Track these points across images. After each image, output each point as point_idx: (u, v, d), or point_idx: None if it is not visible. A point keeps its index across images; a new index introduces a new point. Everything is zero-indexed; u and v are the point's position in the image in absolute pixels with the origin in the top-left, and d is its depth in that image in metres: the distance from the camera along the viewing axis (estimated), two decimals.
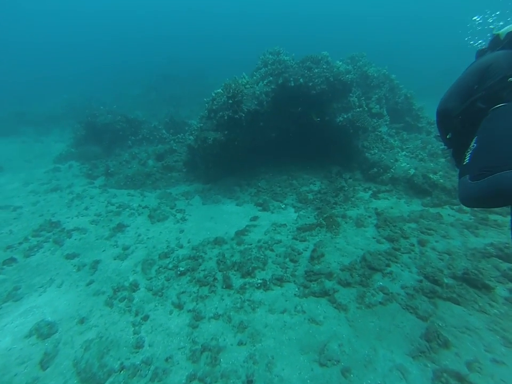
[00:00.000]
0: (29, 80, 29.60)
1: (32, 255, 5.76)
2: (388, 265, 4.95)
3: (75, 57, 43.24)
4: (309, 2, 62.42)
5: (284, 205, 7.44)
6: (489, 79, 2.15)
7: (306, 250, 5.60)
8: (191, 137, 9.18)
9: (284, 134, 8.70)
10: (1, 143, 13.48)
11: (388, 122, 9.57)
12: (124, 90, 23.56)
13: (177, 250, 5.82)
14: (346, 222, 6.39)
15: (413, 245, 5.47)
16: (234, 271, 5.13)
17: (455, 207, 6.73)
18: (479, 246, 5.25)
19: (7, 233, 6.51)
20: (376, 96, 9.57)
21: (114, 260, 5.56)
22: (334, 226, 6.16)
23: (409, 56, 32.88)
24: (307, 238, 5.97)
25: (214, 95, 7.56)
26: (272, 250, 5.65)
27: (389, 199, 7.28)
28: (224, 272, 5.09)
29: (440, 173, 7.14)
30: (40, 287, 4.92)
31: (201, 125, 7.76)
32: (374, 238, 5.80)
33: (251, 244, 5.91)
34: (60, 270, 5.33)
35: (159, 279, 5.02)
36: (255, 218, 6.93)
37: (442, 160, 8.63)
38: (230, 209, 7.47)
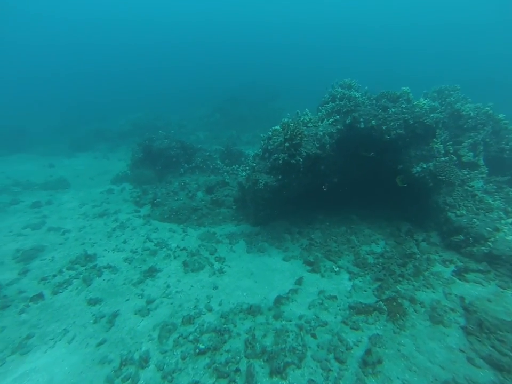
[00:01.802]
0: (111, 99, 33.09)
1: (60, 293, 5.58)
2: None
3: (152, 78, 47.70)
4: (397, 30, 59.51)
5: (337, 268, 6.19)
6: None
7: (358, 346, 4.31)
8: (243, 173, 8.55)
9: (348, 179, 7.49)
10: (78, 157, 14.75)
11: (485, 175, 7.63)
12: (191, 110, 24.66)
13: (204, 314, 5.02)
14: (416, 311, 4.87)
15: None
16: (263, 361, 4.11)
17: None
18: None
19: (49, 260, 6.55)
20: (469, 140, 7.76)
21: (135, 314, 5.01)
22: (398, 314, 4.72)
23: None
24: (361, 325, 4.66)
25: (270, 133, 6.78)
26: (314, 336, 4.49)
27: (483, 285, 5.47)
28: (250, 360, 4.11)
29: None
30: (52, 339, 4.56)
31: (254, 164, 7.02)
32: (462, 351, 4.18)
33: (290, 320, 4.83)
34: (77, 318, 4.99)
35: (174, 354, 4.27)
36: (301, 281, 5.84)
37: None
38: (275, 265, 6.48)
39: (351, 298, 5.26)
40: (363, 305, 4.95)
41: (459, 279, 5.62)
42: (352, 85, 8.60)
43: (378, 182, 7.41)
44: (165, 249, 7.03)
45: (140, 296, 5.42)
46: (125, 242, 7.25)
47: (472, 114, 8.24)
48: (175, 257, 6.72)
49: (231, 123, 20.51)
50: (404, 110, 6.57)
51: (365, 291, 5.46)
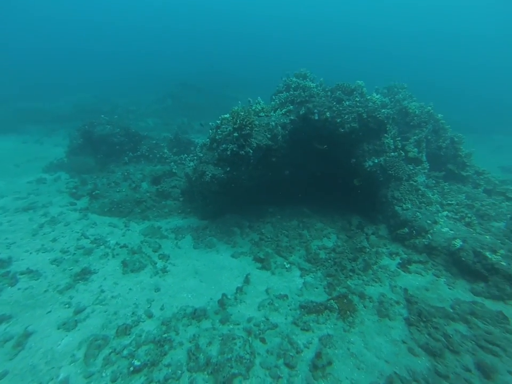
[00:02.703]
0: (51, 78, 29.60)
1: None
2: None
3: (102, 60, 43.90)
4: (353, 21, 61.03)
5: (288, 264, 6.00)
6: None
7: (308, 348, 4.13)
8: (191, 163, 7.96)
9: (299, 172, 7.32)
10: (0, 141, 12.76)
11: (426, 170, 7.99)
12: (141, 95, 22.98)
13: (143, 321, 4.48)
14: (365, 307, 4.85)
15: (469, 371, 3.84)
16: (207, 374, 3.72)
17: None
18: None
19: None
20: (415, 137, 8.05)
21: (58, 329, 4.23)
22: (348, 312, 4.65)
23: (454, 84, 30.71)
24: (311, 325, 4.49)
25: (219, 122, 6.29)
26: (263, 341, 4.21)
27: (423, 275, 5.68)
28: (193, 374, 3.69)
29: (502, 251, 5.49)
30: None
31: (201, 155, 6.49)
32: (404, 342, 4.24)
33: (238, 324, 4.51)
34: None
35: (103, 376, 3.62)
36: (250, 279, 5.53)
37: (497, 225, 6.95)
38: (223, 262, 6.10)
39: (302, 297, 5.10)
40: (314, 304, 4.80)
41: (403, 271, 5.77)
42: (308, 75, 8.42)
43: (331, 175, 7.35)
44: (102, 247, 6.26)
45: (66, 306, 4.64)
46: (54, 240, 6.27)
47: (417, 112, 8.56)
48: (113, 256, 6.00)
49: (183, 110, 19.46)
50: (358, 104, 6.51)
51: (316, 288, 5.33)
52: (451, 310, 4.84)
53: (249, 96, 7.36)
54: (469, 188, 8.76)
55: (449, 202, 7.36)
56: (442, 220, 6.55)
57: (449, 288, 5.38)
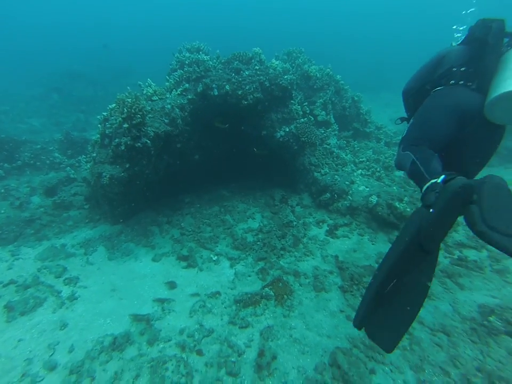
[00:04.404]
0: None
1: None
2: (372, 372, 3.32)
3: None
4: None
5: (215, 256, 5.52)
6: (440, 68, 2.57)
7: (250, 347, 3.77)
8: (88, 165, 6.73)
9: (211, 154, 6.75)
10: None
11: (336, 132, 8.14)
12: (15, 90, 18.92)
13: (40, 381, 3.51)
14: (301, 285, 4.69)
15: None
16: None
17: None
18: (472, 305, 3.96)
19: None
20: (321, 100, 8.06)
21: None
22: (285, 295, 4.42)
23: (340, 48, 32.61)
24: (250, 320, 4.13)
25: (106, 114, 5.25)
26: (200, 353, 3.70)
27: (349, 237, 5.78)
28: None
29: (406, 199, 5.83)
30: None
31: (95, 154, 5.42)
32: (342, 311, 4.18)
33: (169, 340, 3.90)
34: None
35: None
36: (175, 283, 4.91)
37: (398, 174, 7.48)
38: (144, 269, 5.33)
39: (236, 290, 4.70)
40: (249, 296, 4.44)
41: (332, 238, 5.79)
42: (201, 48, 7.63)
43: (245, 153, 6.95)
44: None
45: None
46: None
47: (318, 75, 8.56)
48: None
49: (75, 105, 16.72)
50: (258, 72, 6.08)
51: (249, 276, 4.99)
52: (376, 265, 4.99)
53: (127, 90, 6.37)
54: (374, 143, 9.31)
55: (360, 159, 7.65)
56: (358, 179, 6.75)
57: (372, 244, 5.57)
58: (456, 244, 5.33)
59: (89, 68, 21.82)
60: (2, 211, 6.75)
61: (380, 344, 1.90)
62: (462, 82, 2.38)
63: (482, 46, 2.33)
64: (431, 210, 1.74)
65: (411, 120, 2.63)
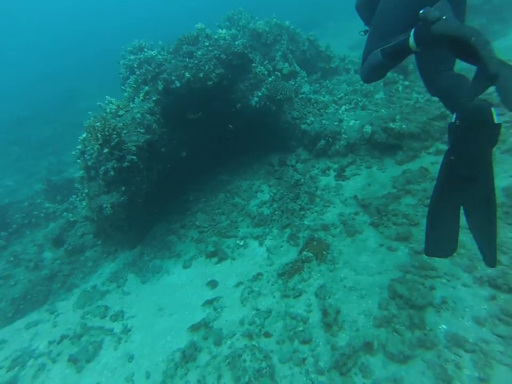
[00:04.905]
0: None
1: None
2: (432, 288, 3.40)
3: None
4: None
5: (241, 241, 5.52)
6: None
7: (311, 311, 3.84)
8: (83, 203, 6.53)
9: (196, 146, 6.56)
10: None
11: (306, 79, 7.89)
12: None
13: None
14: (334, 236, 4.72)
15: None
16: None
17: (430, 150, 5.48)
18: (496, 192, 4.00)
19: None
20: (279, 53, 7.73)
21: None
22: (324, 252, 4.45)
23: None
24: (300, 287, 4.19)
25: (80, 146, 5.01)
26: (268, 335, 3.78)
27: (359, 174, 5.76)
28: None
29: (398, 117, 5.76)
30: None
31: (87, 190, 5.23)
32: (381, 245, 4.24)
33: (234, 334, 3.97)
34: None
35: None
36: (215, 281, 4.93)
37: (378, 96, 7.35)
38: (179, 279, 5.35)
39: (275, 265, 4.73)
40: (290, 265, 4.48)
41: (342, 181, 5.78)
42: (143, 45, 7.19)
43: (227, 131, 6.75)
44: (30, 361, 4.81)
45: None
46: None
47: (267, 29, 8.15)
48: (53, 361, 4.67)
49: (39, 150, 16.02)
50: (210, 48, 5.74)
51: (281, 247, 5.01)
52: (394, 190, 5.02)
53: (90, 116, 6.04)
54: (344, 75, 9.07)
55: (339, 96, 7.47)
56: (345, 115, 6.63)
57: (382, 172, 5.56)
58: None
59: (34, 107, 20.63)
60: (22, 277, 6.63)
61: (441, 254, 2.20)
62: None
63: None
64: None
65: (368, 32, 2.56)
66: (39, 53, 42.61)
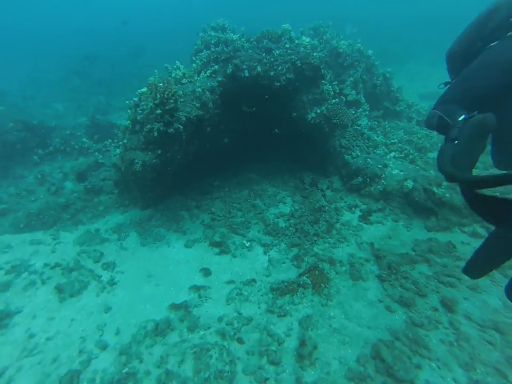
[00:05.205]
0: None
1: None
2: (418, 367, 3.27)
3: None
4: None
5: (248, 242, 5.51)
6: (492, 21, 2.14)
7: (290, 336, 3.81)
8: (117, 150, 6.74)
9: (240, 137, 6.61)
10: None
11: (367, 112, 7.78)
12: (36, 75, 18.99)
13: (95, 358, 3.72)
14: (337, 273, 4.64)
15: (436, 310, 3.88)
16: None
17: (466, 228, 5.26)
18: None
19: None
20: (351, 79, 7.66)
21: None
22: (322, 284, 4.38)
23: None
24: (287, 308, 4.15)
25: (136, 99, 5.15)
26: (240, 341, 3.78)
27: (383, 223, 5.63)
28: None
29: (445, 183, 5.57)
30: None
31: (125, 141, 5.39)
32: (380, 301, 4.13)
33: (209, 328, 4.00)
34: None
35: None
36: (209, 270, 4.96)
37: (432, 155, 7.13)
38: (177, 255, 5.42)
39: (271, 277, 4.71)
40: (285, 284, 4.44)
41: (365, 223, 5.66)
42: (226, 26, 7.33)
43: (274, 135, 6.76)
44: (25, 274, 5.06)
45: None
46: None
47: (348, 51, 8.09)
48: (43, 283, 4.90)
49: (96, 87, 16.66)
50: (289, 51, 5.76)
51: (284, 263, 4.97)
52: (413, 253, 4.88)
53: (165, 62, 6.21)
54: (405, 122, 8.87)
55: (392, 141, 7.32)
56: (391, 162, 6.49)
57: (407, 231, 5.41)
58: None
59: (106, 49, 21.56)
60: (41, 196, 6.97)
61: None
62: None
63: None
64: (455, 142, 1.67)
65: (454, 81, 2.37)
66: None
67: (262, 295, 4.41)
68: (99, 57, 19.23)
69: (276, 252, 5.26)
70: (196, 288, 4.61)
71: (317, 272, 4.50)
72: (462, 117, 1.73)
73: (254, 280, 4.67)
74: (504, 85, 1.90)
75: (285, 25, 6.41)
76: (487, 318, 3.61)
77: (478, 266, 2.33)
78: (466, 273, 2.44)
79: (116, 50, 21.27)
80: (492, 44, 2.09)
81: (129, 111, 5.38)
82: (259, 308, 4.22)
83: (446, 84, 2.71)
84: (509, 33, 1.99)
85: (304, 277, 4.45)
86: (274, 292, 4.39)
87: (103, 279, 4.94)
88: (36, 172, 7.95)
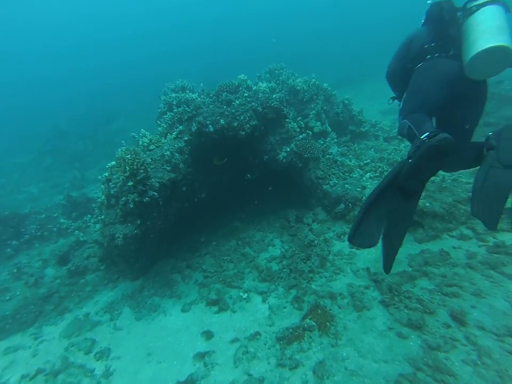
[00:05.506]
0: None
1: None
2: None
3: None
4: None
5: (245, 293, 5.32)
6: (412, 48, 2.91)
7: None
8: (97, 226, 6.64)
9: (217, 189, 6.67)
10: None
11: (335, 140, 8.08)
12: (7, 160, 18.95)
13: None
14: (340, 307, 4.48)
15: (449, 326, 3.74)
16: None
17: (453, 233, 5.28)
18: None
19: None
20: (313, 112, 8.03)
21: None
22: (328, 322, 4.20)
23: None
24: (297, 358, 3.91)
25: (107, 174, 5.20)
26: None
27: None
28: None
29: (423, 194, 5.67)
30: None
31: (103, 216, 5.33)
32: (390, 329, 3.96)
33: None
34: None
35: None
36: (211, 332, 4.70)
37: None
38: (175, 322, 5.13)
39: (275, 326, 4.49)
40: (290, 330, 4.24)
41: (357, 249, 5.60)
42: (186, 85, 7.70)
43: (250, 180, 6.86)
44: None
45: None
46: None
47: (305, 87, 8.57)
48: None
49: (69, 164, 16.76)
50: (249, 99, 6.06)
51: (285, 308, 4.78)
52: (410, 269, 4.80)
53: (137, 126, 6.42)
54: (373, 141, 9.24)
55: (365, 162, 7.54)
56: (368, 183, 6.62)
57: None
58: (487, 230, 5.12)
59: (75, 123, 21.98)
60: (18, 293, 6.51)
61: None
62: (437, 54, 2.71)
63: (442, 23, 2.74)
64: (409, 160, 2.04)
65: (404, 95, 2.91)
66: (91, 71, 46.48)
67: (269, 348, 4.18)
68: (69, 132, 19.52)
69: (275, 297, 5.08)
70: (200, 355, 4.33)
71: (319, 311, 4.34)
72: (426, 134, 2.06)
73: (258, 333, 4.45)
74: (440, 90, 2.61)
75: (240, 76, 6.80)
76: (500, 325, 3.49)
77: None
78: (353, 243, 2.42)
79: (85, 122, 21.66)
80: (419, 65, 2.80)
81: (102, 186, 5.39)
82: (268, 363, 3.97)
83: (393, 98, 3.44)
84: (428, 56, 2.75)
85: (308, 319, 4.27)
86: (281, 342, 4.17)
87: (96, 372, 4.48)
88: (11, 265, 7.53)
